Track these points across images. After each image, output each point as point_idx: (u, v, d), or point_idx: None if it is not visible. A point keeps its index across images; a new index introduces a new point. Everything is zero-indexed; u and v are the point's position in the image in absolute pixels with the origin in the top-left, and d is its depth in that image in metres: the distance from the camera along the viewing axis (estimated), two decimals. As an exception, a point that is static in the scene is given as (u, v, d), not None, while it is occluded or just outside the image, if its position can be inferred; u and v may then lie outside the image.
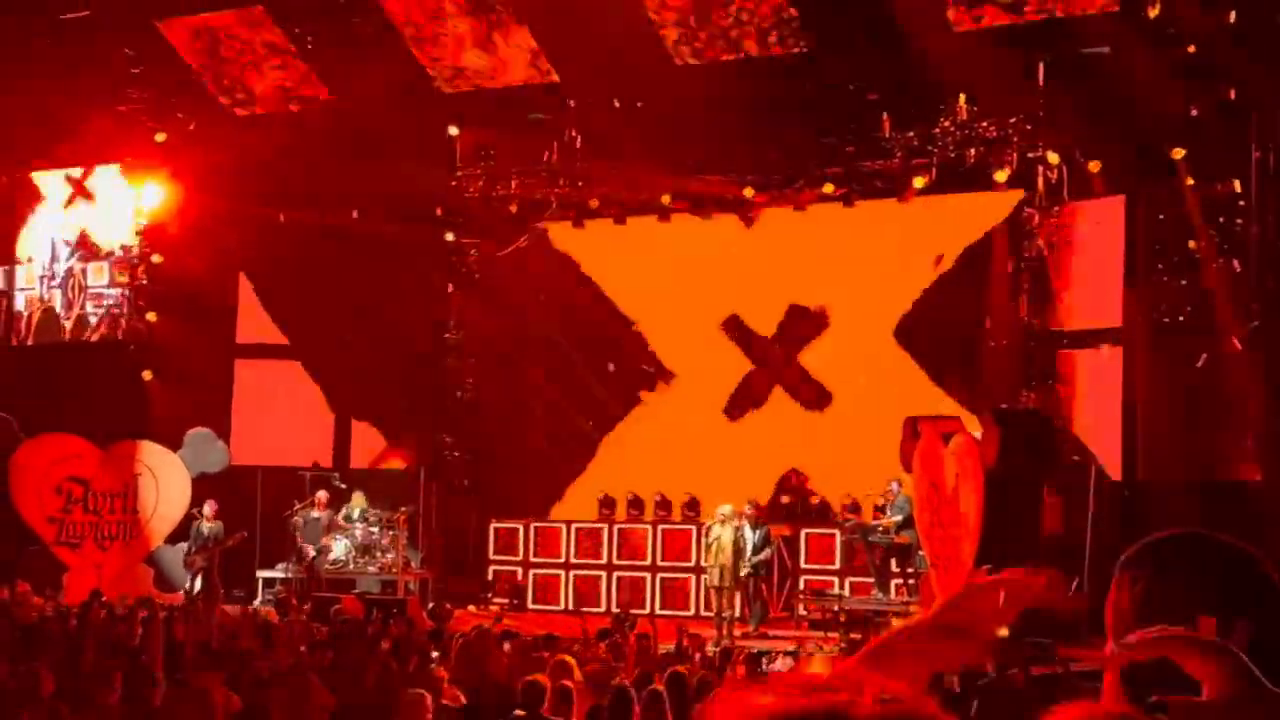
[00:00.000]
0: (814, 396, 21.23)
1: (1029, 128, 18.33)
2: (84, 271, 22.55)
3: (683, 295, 21.61)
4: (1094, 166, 18.09)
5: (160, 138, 21.82)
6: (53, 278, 22.73)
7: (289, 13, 20.38)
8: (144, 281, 22.21)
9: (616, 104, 20.30)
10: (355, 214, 22.28)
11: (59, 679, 8.93)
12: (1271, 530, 14.95)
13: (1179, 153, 16.89)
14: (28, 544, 20.22)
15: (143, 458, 20.64)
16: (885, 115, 19.21)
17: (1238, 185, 16.17)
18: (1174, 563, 2.10)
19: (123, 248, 22.28)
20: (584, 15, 18.90)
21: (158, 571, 20.35)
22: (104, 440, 20.69)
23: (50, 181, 22.90)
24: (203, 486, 20.55)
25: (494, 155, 21.42)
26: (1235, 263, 16.07)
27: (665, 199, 21.00)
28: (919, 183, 19.27)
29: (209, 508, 20.15)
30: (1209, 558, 2.10)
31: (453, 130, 21.35)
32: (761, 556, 18.28)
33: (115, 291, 22.35)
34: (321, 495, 20.99)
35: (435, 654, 12.06)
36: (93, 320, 22.51)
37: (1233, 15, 16.06)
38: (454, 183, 21.58)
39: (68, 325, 22.39)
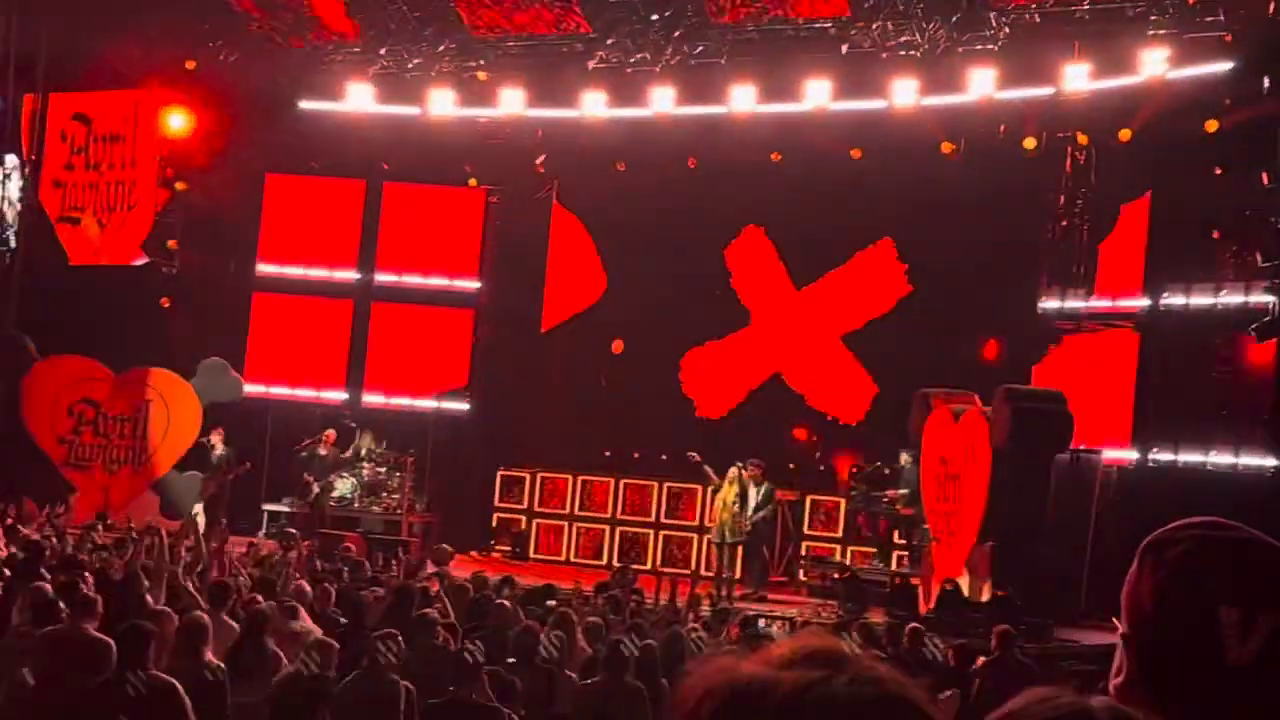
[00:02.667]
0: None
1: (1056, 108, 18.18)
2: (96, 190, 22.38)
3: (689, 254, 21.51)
4: (1124, 135, 17.88)
5: (191, 65, 21.78)
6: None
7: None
8: (166, 208, 22.16)
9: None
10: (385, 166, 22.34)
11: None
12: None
13: (1212, 124, 16.74)
14: (36, 463, 20.25)
15: (155, 384, 20.65)
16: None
17: (1265, 177, 16.04)
18: (1198, 551, 2.10)
19: (133, 172, 22.07)
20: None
21: (164, 498, 20.42)
22: (118, 365, 20.71)
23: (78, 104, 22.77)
24: (213, 416, 20.59)
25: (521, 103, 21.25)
26: (1257, 255, 15.97)
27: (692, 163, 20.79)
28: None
29: (216, 435, 20.28)
30: (1233, 548, 2.10)
31: (481, 75, 21.22)
32: (763, 514, 18.23)
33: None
34: (329, 433, 21.09)
35: (433, 597, 12.10)
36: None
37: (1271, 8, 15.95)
38: (480, 130, 21.47)
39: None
